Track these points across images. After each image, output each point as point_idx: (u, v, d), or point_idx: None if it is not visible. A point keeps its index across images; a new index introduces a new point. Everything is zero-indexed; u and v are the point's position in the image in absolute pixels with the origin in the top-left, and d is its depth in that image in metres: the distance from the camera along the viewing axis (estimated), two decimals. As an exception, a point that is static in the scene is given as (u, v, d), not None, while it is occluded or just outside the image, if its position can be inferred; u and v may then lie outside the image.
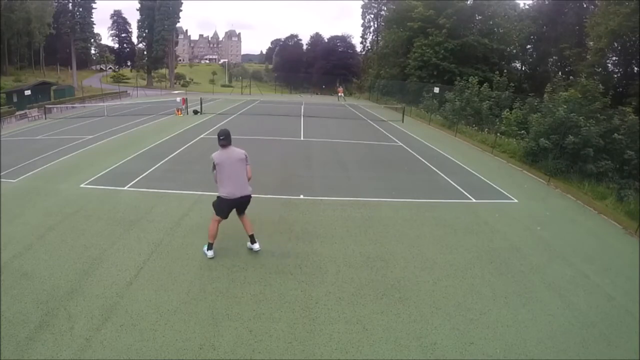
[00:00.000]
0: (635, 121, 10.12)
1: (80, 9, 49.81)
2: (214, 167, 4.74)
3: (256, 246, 5.04)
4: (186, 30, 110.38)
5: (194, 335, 3.47)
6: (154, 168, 9.03)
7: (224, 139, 4.75)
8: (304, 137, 14.01)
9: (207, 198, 6.97)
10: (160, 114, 20.45)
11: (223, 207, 4.79)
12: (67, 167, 9.25)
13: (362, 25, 55.89)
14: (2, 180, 8.00)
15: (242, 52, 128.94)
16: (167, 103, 26.04)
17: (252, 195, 4.89)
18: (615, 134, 10.02)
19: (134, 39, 64.88)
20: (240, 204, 4.86)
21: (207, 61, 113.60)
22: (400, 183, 8.66)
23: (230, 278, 4.43)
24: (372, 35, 54.65)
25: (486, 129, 16.35)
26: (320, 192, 7.64)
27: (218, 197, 4.81)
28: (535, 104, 14.39)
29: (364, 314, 3.90)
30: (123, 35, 69.92)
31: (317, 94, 48.62)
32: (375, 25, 53.84)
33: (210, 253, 4.87)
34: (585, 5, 32.04)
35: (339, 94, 36.03)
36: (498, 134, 14.04)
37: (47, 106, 23.95)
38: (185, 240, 5.34)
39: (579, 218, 7.37)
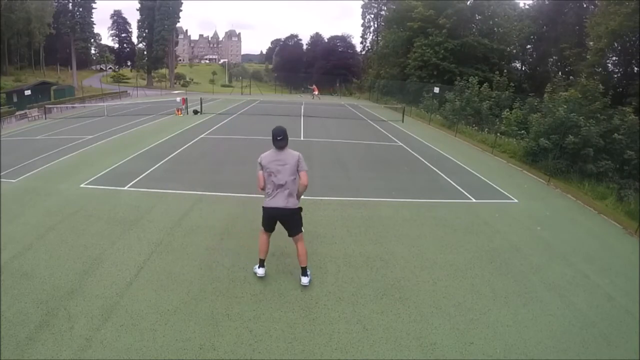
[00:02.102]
0: (635, 121, 10.12)
1: (80, 9, 49.95)
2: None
3: (305, 280, 4.26)
4: (186, 30, 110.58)
5: (194, 335, 3.47)
6: (154, 168, 9.03)
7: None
8: (304, 137, 13.98)
9: (207, 198, 7.00)
10: (160, 114, 20.45)
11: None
12: (67, 167, 9.25)
13: (362, 25, 56.05)
14: (2, 180, 8.00)
15: (242, 52, 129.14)
16: (167, 103, 26.06)
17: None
18: (615, 134, 10.02)
19: (134, 39, 65.01)
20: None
21: (207, 61, 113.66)
22: (400, 183, 8.66)
23: (230, 278, 4.43)
24: (372, 35, 54.73)
25: (486, 129, 16.35)
26: (320, 192, 7.63)
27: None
28: (535, 104, 14.41)
29: (364, 314, 3.89)
30: (123, 35, 70.00)
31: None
32: (375, 25, 53.91)
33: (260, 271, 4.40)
34: (585, 5, 32.10)
35: (314, 93, 36.98)
36: (498, 134, 14.04)
37: (47, 106, 23.98)
38: (185, 240, 5.33)
39: (579, 218, 7.37)
